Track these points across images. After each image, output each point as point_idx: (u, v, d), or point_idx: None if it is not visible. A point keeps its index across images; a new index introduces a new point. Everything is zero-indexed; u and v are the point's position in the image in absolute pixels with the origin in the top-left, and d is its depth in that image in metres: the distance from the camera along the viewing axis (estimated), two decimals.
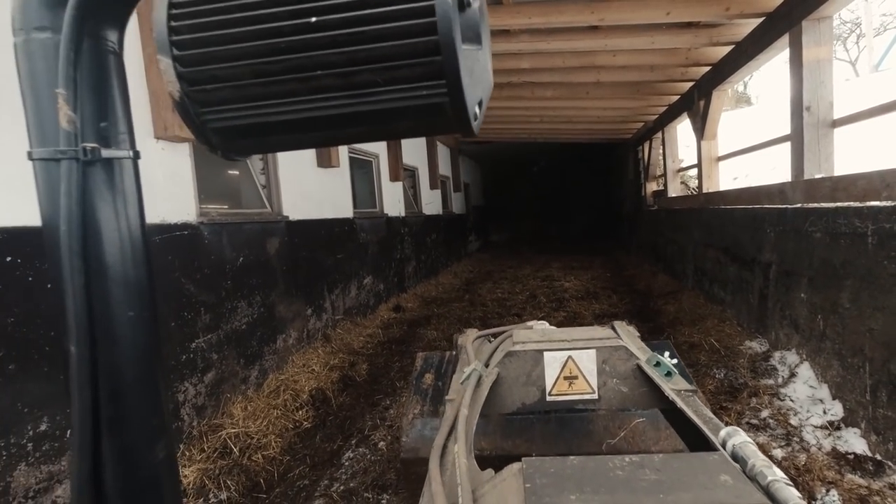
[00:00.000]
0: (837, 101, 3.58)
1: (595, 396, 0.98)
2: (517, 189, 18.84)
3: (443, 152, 11.28)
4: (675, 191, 8.11)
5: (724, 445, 0.83)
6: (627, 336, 1.11)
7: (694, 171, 7.29)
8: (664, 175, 8.35)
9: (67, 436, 2.37)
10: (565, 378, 0.97)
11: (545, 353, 0.98)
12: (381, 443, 3.18)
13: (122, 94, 0.59)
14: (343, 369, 4.39)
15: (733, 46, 4.85)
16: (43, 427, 2.27)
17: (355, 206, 6.12)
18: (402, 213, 7.95)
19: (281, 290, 4.32)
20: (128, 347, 0.60)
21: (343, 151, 5.77)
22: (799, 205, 3.60)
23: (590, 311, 5.97)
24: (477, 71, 0.50)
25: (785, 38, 3.76)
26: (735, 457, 0.79)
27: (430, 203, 9.83)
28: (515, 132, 10.65)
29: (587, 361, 0.97)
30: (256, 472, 2.96)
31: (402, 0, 0.43)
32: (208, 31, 0.47)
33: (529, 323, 1.14)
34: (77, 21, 0.52)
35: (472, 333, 1.18)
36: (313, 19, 0.44)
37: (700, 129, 6.09)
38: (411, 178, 9.06)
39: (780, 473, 0.71)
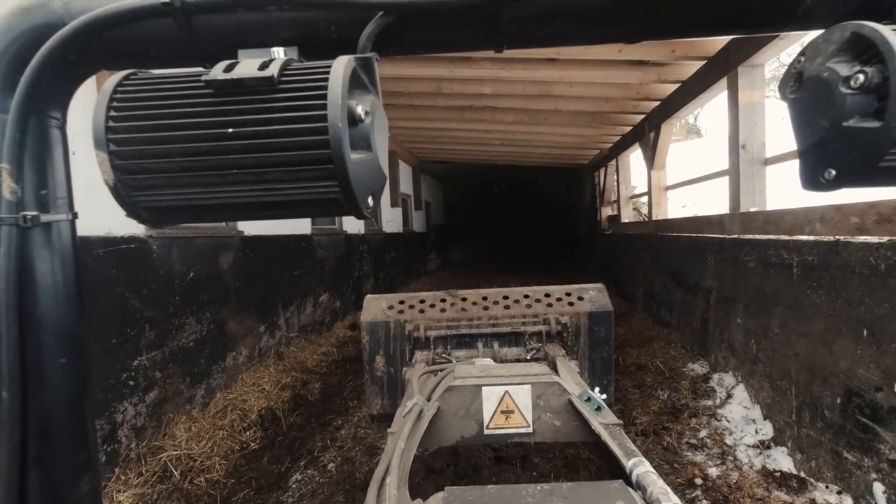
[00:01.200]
0: (776, 139, 3.87)
1: (530, 430, 1.01)
2: (478, 209, 19.11)
3: (405, 171, 11.36)
4: (627, 216, 8.45)
5: (630, 474, 0.89)
6: (567, 371, 1.15)
7: (646, 199, 7.64)
8: (618, 201, 8.69)
9: None
10: (502, 412, 1.01)
11: (483, 388, 1.01)
12: (331, 464, 3.14)
13: (65, 161, 0.66)
14: (295, 388, 4.31)
15: (679, 84, 5.17)
16: None
17: (313, 222, 6.07)
18: (362, 231, 7.93)
19: (233, 306, 4.23)
20: (57, 391, 0.65)
21: None
22: (736, 235, 3.84)
23: None
24: (368, 171, 0.60)
25: (724, 81, 4.05)
26: (639, 485, 0.85)
27: (391, 221, 9.85)
28: (476, 153, 10.87)
29: (523, 396, 1.01)
30: (198, 496, 2.86)
31: (302, 120, 0.53)
32: (142, 133, 0.56)
33: (475, 359, 1.19)
34: (23, 106, 0.60)
35: (419, 368, 1.19)
36: (230, 130, 0.54)
37: (650, 158, 6.41)
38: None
39: (674, 499, 0.79)
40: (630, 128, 7.41)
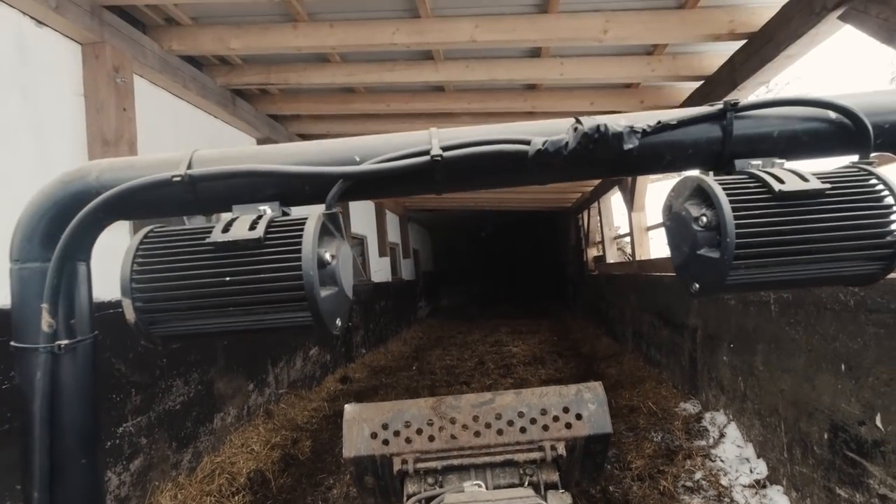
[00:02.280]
0: None
1: None
2: (467, 254, 19.26)
3: (392, 220, 11.52)
4: (612, 257, 8.59)
5: None
6: (557, 501, 1.17)
7: (629, 239, 7.81)
8: (602, 242, 8.86)
9: None
10: None
11: None
12: None
13: (88, 292, 0.81)
14: (285, 447, 4.21)
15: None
16: None
17: None
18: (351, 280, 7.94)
19: (221, 365, 4.19)
20: (77, 488, 0.77)
21: None
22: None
23: (536, 377, 6.07)
24: (335, 301, 0.74)
25: None
26: None
27: (379, 270, 9.89)
28: (462, 201, 11.09)
29: None
30: None
31: (283, 269, 0.70)
32: (159, 282, 0.72)
33: (465, 484, 1.21)
34: (62, 256, 0.76)
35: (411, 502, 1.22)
36: (227, 278, 0.70)
37: (630, 201, 6.61)
38: (360, 245, 9.16)
39: None
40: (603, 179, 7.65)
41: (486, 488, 1.20)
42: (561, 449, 1.20)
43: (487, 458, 1.24)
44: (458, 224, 16.97)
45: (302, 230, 0.72)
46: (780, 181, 0.72)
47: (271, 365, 5.07)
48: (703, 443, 3.58)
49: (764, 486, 3.01)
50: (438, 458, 1.24)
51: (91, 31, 2.85)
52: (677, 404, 4.29)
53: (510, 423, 1.24)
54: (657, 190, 6.81)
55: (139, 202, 0.81)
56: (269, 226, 0.73)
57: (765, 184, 0.73)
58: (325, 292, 0.71)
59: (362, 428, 1.29)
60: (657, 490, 3.12)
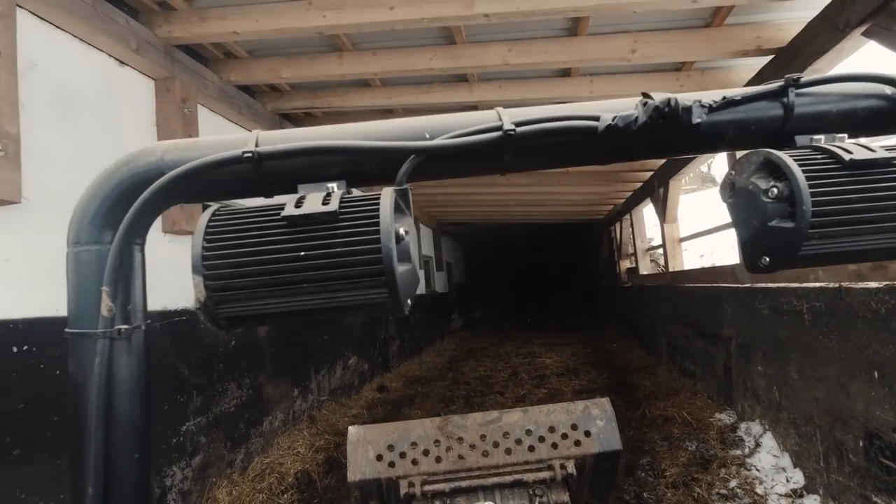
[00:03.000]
0: None
1: None
2: (499, 267, 19.33)
3: (426, 233, 11.77)
4: (645, 268, 8.57)
5: None
6: None
7: (662, 250, 7.80)
8: (635, 254, 8.85)
9: None
10: None
11: None
12: None
13: (142, 276, 0.80)
14: (328, 451, 4.43)
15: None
16: None
17: None
18: None
19: (269, 371, 4.45)
20: (130, 484, 0.76)
21: None
22: (748, 284, 3.98)
23: (569, 388, 6.13)
24: (409, 278, 0.73)
25: None
26: None
27: None
28: (493, 214, 11.26)
29: None
30: None
31: (360, 243, 0.68)
32: (230, 259, 0.69)
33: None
34: (124, 238, 0.75)
35: None
36: (302, 253, 0.68)
37: (662, 213, 6.64)
38: None
39: None
40: (640, 184, 7.71)
41: None
42: (571, 467, 1.18)
43: (496, 479, 1.21)
44: (489, 238, 17.11)
45: (377, 204, 0.70)
46: (848, 152, 0.73)
47: (314, 372, 5.33)
48: (739, 452, 3.60)
49: (801, 496, 3.02)
50: (446, 479, 1.20)
51: (164, 68, 3.20)
52: (712, 415, 4.31)
53: (518, 441, 1.21)
54: (688, 203, 6.82)
55: (203, 182, 0.79)
56: (342, 201, 0.72)
57: (832, 155, 0.74)
58: (401, 268, 0.69)
59: (367, 450, 1.24)
60: (691, 497, 3.18)
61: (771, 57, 3.46)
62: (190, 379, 3.44)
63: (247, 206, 0.76)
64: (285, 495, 3.66)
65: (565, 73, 4.11)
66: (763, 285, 3.73)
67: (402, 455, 1.20)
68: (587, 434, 1.20)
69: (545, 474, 1.18)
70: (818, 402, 2.97)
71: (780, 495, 3.05)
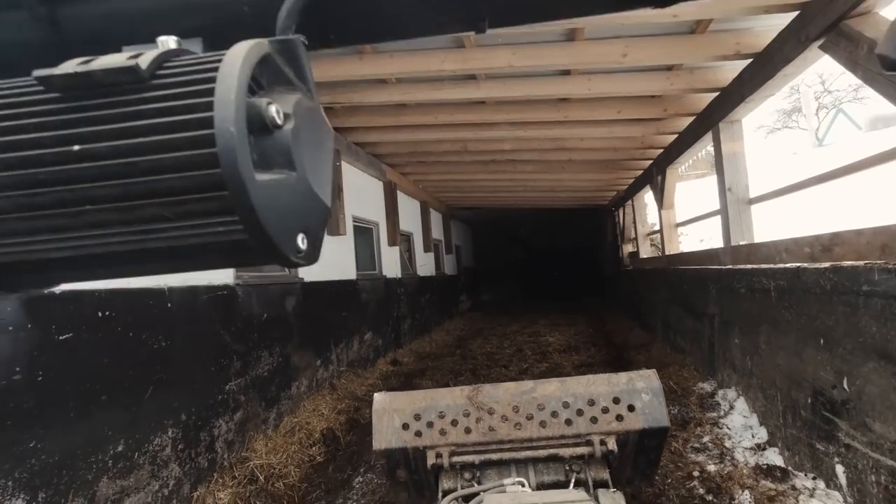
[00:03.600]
0: (785, 173, 4.45)
1: None
2: (507, 251, 19.75)
3: (436, 217, 12.20)
4: (645, 252, 8.96)
5: None
6: (609, 502, 1.06)
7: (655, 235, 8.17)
8: (636, 238, 9.23)
9: (136, 456, 2.95)
10: None
11: None
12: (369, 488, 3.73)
13: None
14: (349, 413, 4.95)
15: (677, 135, 5.84)
16: (120, 448, 2.85)
17: (358, 268, 6.86)
18: (399, 275, 8.68)
19: (296, 342, 4.96)
20: None
21: (349, 220, 6.58)
22: (729, 266, 4.39)
23: (570, 362, 6.60)
24: (291, 199, 0.42)
25: (709, 135, 4.71)
26: None
27: (424, 265, 10.60)
28: (502, 199, 11.65)
29: None
30: (279, 496, 3.50)
31: (180, 127, 0.37)
32: None
33: (505, 482, 1.10)
34: None
35: (447, 500, 1.12)
36: (76, 147, 0.37)
37: (659, 199, 7.02)
38: (407, 242, 9.88)
39: None
40: (640, 171, 8.06)
41: (529, 486, 1.09)
42: (611, 444, 1.09)
43: (530, 453, 1.13)
44: (498, 222, 17.50)
45: (219, 63, 0.39)
46: None
47: (333, 345, 5.84)
48: (714, 414, 4.05)
49: (763, 449, 3.47)
50: (476, 451, 1.13)
51: None
52: (696, 384, 4.75)
53: (554, 414, 1.12)
54: (684, 189, 7.16)
55: None
56: (163, 60, 0.41)
57: None
58: (266, 176, 0.39)
59: (393, 418, 1.18)
60: (668, 450, 3.64)
61: (750, 60, 3.82)
62: (231, 345, 3.94)
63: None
64: (314, 448, 4.19)
65: (565, 72, 4.48)
66: (741, 267, 4.13)
67: (430, 425, 1.13)
68: (631, 409, 1.11)
69: (583, 450, 1.09)
70: (780, 367, 3.40)
71: (746, 448, 3.51)
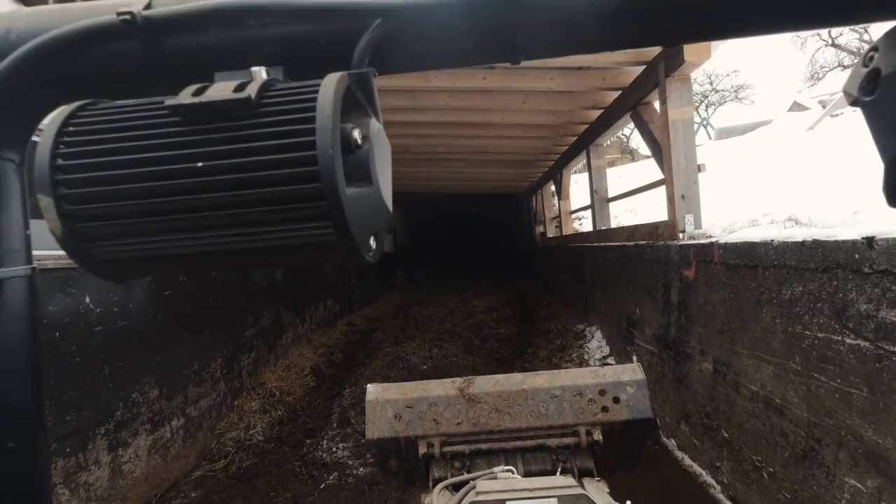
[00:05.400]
0: (614, 186, 6.50)
1: None
2: (439, 232, 21.61)
3: None
4: (551, 233, 11.13)
5: None
6: (594, 490, 1.06)
7: (579, 214, 10.34)
8: (544, 221, 11.38)
9: (203, 374, 4.43)
10: None
11: (507, 503, 0.95)
12: (364, 387, 5.45)
13: (23, 208, 0.58)
14: (326, 356, 6.57)
15: (567, 147, 7.86)
16: (195, 367, 4.32)
17: None
18: None
19: (283, 305, 6.46)
20: (4, 482, 0.55)
21: None
22: (595, 244, 6.45)
23: (490, 318, 8.58)
24: (369, 208, 0.50)
25: (584, 153, 6.72)
26: None
27: None
28: (435, 186, 13.39)
29: None
30: (291, 403, 5.11)
31: (286, 148, 0.44)
32: (96, 172, 0.46)
33: (495, 469, 1.10)
34: None
35: (436, 490, 1.11)
36: (199, 164, 0.45)
37: (558, 192, 9.09)
38: None
39: None
40: (546, 169, 10.13)
41: (517, 474, 1.12)
42: (597, 434, 1.13)
43: (518, 443, 1.19)
44: (431, 206, 19.22)
45: (316, 93, 0.45)
46: None
47: (306, 309, 7.37)
48: (582, 342, 6.13)
49: (606, 358, 5.56)
50: (466, 441, 1.17)
51: None
52: (574, 326, 6.85)
53: (542, 405, 1.16)
54: (576, 182, 9.27)
55: (81, 69, 0.55)
56: (265, 88, 0.48)
57: None
58: (353, 190, 0.46)
59: (385, 409, 1.22)
60: (550, 364, 5.64)
61: (619, 91, 5.74)
62: (246, 305, 5.42)
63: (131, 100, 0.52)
64: (307, 377, 5.79)
65: (486, 110, 6.26)
66: (600, 244, 6.18)
67: (421, 415, 1.18)
68: (616, 400, 1.17)
69: (570, 440, 1.15)
70: (615, 307, 5.47)
71: (595, 358, 5.58)
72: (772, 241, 2.54)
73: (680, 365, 3.72)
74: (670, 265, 3.84)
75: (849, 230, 2.12)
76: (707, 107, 34.88)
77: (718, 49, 4.10)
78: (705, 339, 3.32)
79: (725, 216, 4.35)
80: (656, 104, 4.41)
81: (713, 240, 3.24)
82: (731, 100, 34.63)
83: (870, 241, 1.92)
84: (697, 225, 3.85)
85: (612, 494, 1.07)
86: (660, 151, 4.16)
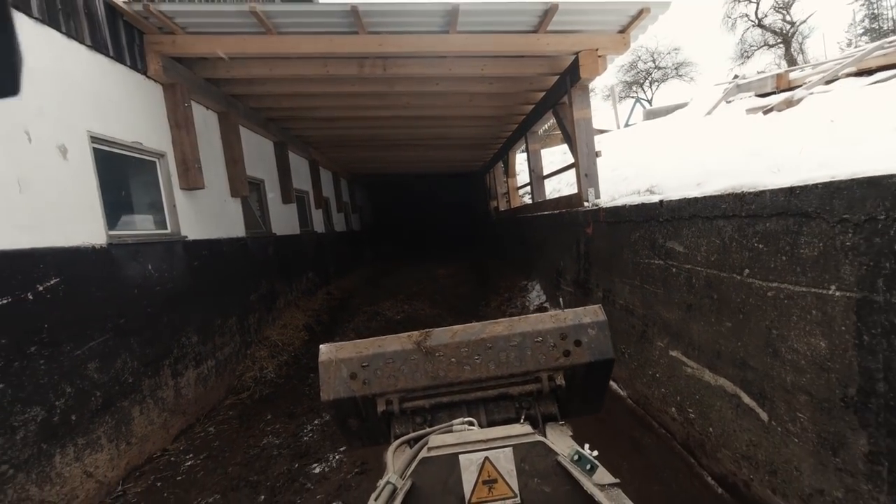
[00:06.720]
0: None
1: (518, 500, 0.90)
2: (402, 209, 22.75)
3: (344, 184, 14.75)
4: (503, 206, 12.54)
5: None
6: (557, 434, 1.05)
7: (527, 188, 11.74)
8: (496, 197, 12.77)
9: (224, 328, 5.61)
10: (484, 482, 0.90)
11: (460, 457, 0.91)
12: (352, 334, 6.72)
13: None
14: (314, 317, 7.79)
15: (511, 132, 9.20)
16: (218, 322, 5.48)
17: (300, 226, 9.45)
18: (324, 230, 11.32)
19: (276, 275, 7.60)
20: None
21: (293, 192, 9.09)
22: (534, 214, 7.86)
23: (451, 281, 9.97)
24: None
25: (523, 140, 8.07)
26: None
27: (338, 223, 13.25)
28: (398, 168, 14.53)
29: (505, 462, 0.90)
30: (293, 351, 6.35)
31: None
32: None
33: (454, 423, 1.06)
34: None
35: (392, 447, 1.08)
36: None
37: (507, 171, 10.45)
38: (325, 204, 12.43)
39: None
40: (496, 151, 11.46)
41: (480, 425, 1.11)
42: (559, 379, 1.11)
43: (480, 394, 1.17)
44: (394, 185, 20.32)
45: None
46: None
47: (293, 279, 8.51)
48: (524, 294, 7.58)
49: (543, 303, 7.02)
50: (426, 395, 1.14)
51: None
52: (520, 282, 8.30)
53: (503, 354, 1.13)
54: (521, 161, 10.64)
55: None
56: None
57: None
58: None
59: (340, 368, 1.18)
60: (500, 312, 7.06)
61: (544, 92, 7.06)
62: (249, 274, 6.55)
63: None
64: (301, 333, 7.02)
65: (443, 108, 7.47)
66: (537, 213, 7.58)
67: (378, 372, 1.13)
68: (577, 343, 1.14)
69: (532, 387, 1.13)
70: (549, 262, 6.91)
71: (534, 305, 7.04)
72: (625, 205, 3.96)
73: (587, 297, 5.18)
74: (579, 226, 5.26)
75: (658, 197, 3.53)
76: (651, 83, 36.91)
77: (648, 31, 5.23)
78: (598, 276, 4.76)
79: (615, 189, 5.80)
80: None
81: (600, 206, 4.65)
82: (673, 76, 36.73)
83: (661, 203, 3.34)
84: (597, 195, 5.27)
85: (575, 436, 1.02)
86: (571, 140, 5.54)
